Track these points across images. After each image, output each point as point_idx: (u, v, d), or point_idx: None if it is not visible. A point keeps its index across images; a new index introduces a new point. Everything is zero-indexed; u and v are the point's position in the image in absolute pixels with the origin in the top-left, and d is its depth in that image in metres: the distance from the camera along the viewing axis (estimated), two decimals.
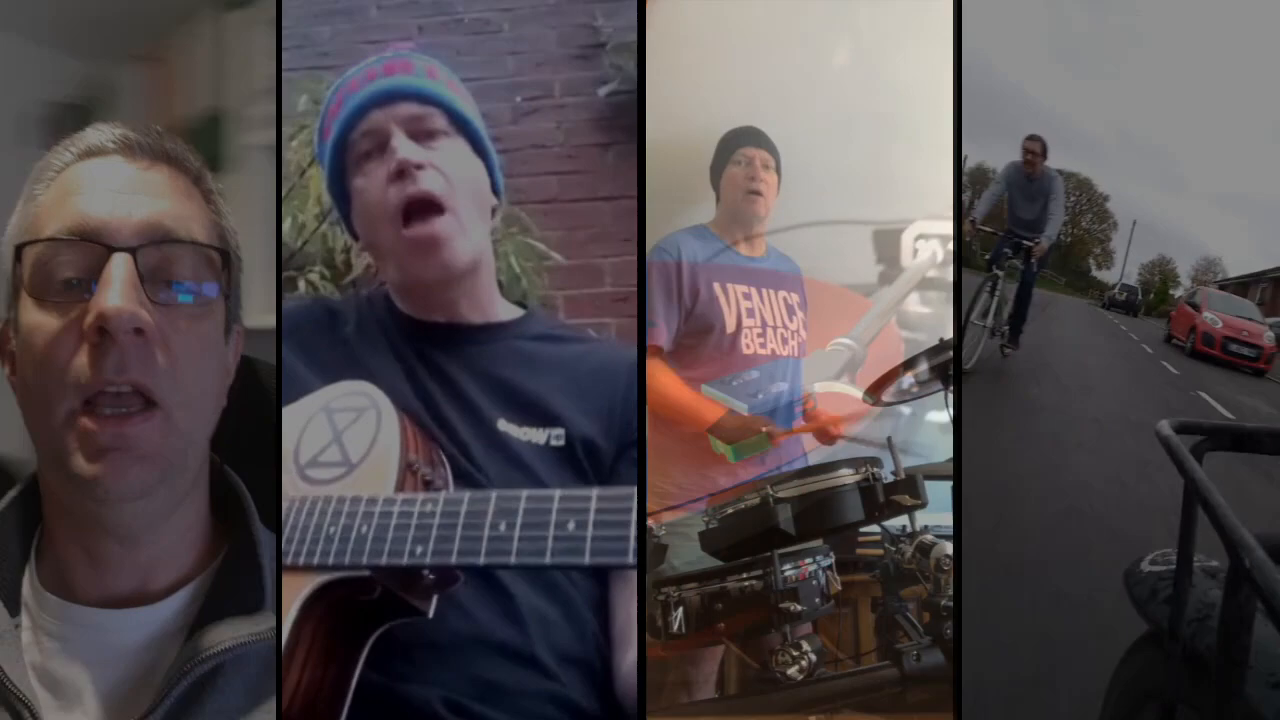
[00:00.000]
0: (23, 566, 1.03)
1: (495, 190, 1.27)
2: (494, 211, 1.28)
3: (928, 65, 1.43)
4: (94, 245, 0.93)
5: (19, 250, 0.95)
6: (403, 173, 1.17)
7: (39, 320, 0.93)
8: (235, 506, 1.08)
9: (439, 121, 1.22)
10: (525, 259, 2.01)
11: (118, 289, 0.90)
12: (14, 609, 1.00)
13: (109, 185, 0.96)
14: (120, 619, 1.00)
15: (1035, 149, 6.13)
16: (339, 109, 1.22)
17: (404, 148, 1.19)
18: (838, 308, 1.73)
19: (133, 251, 0.93)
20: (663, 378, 1.58)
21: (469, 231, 1.20)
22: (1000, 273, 6.01)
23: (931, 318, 1.64)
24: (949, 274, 1.61)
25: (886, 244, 1.70)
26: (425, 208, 1.18)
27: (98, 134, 1.00)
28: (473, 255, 1.21)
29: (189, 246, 0.97)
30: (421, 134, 1.20)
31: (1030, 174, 6.11)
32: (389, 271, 1.24)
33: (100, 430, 0.92)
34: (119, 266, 0.91)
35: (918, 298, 1.66)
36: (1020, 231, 6.08)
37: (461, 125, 1.24)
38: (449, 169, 1.20)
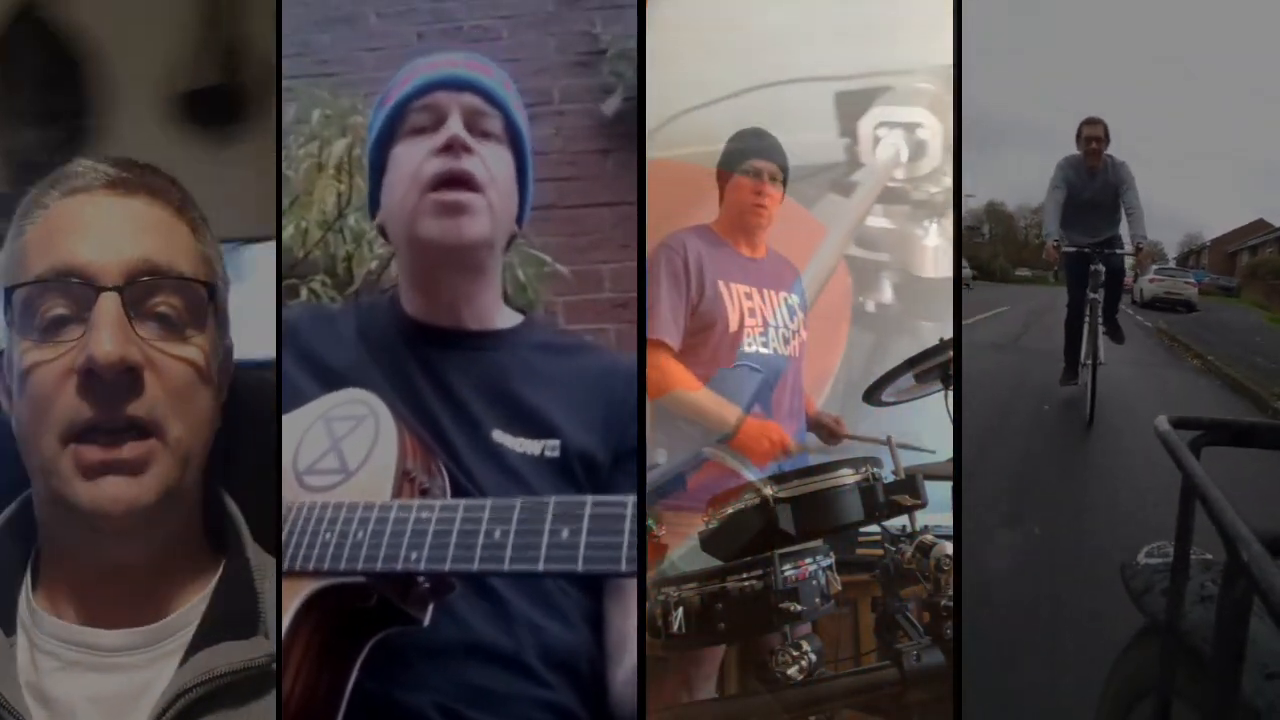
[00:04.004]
0: (19, 585, 1.04)
1: (520, 218, 1.28)
2: (513, 237, 1.29)
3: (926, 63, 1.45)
4: (82, 285, 0.95)
5: (9, 292, 0.98)
6: (450, 147, 1.19)
7: (31, 358, 0.96)
8: (229, 529, 1.09)
9: (496, 125, 1.23)
10: (528, 266, 2.02)
11: (106, 332, 0.93)
12: (9, 628, 1.01)
13: (95, 223, 0.99)
14: (115, 639, 1.01)
15: (1099, 134, 4.90)
16: (407, 83, 1.24)
17: (459, 129, 1.20)
18: (788, 234, 1.64)
19: (120, 290, 0.95)
20: (680, 375, 1.58)
21: (492, 217, 1.21)
22: (1097, 296, 4.94)
23: (895, 235, 1.50)
24: (913, 179, 1.50)
25: (852, 109, 1.52)
26: (459, 185, 1.19)
27: (82, 171, 1.02)
28: (488, 237, 1.21)
29: (174, 281, 0.99)
30: (477, 129, 1.22)
31: (1094, 167, 4.95)
32: (401, 246, 1.25)
33: (96, 454, 0.94)
34: (107, 307, 0.94)
35: (882, 210, 1.52)
36: (1094, 239, 5.05)
37: (514, 139, 1.25)
38: (490, 169, 1.21)
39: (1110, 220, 4.96)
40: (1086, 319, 4.91)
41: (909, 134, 1.49)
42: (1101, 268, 4.90)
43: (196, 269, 1.02)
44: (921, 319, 1.49)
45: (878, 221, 1.47)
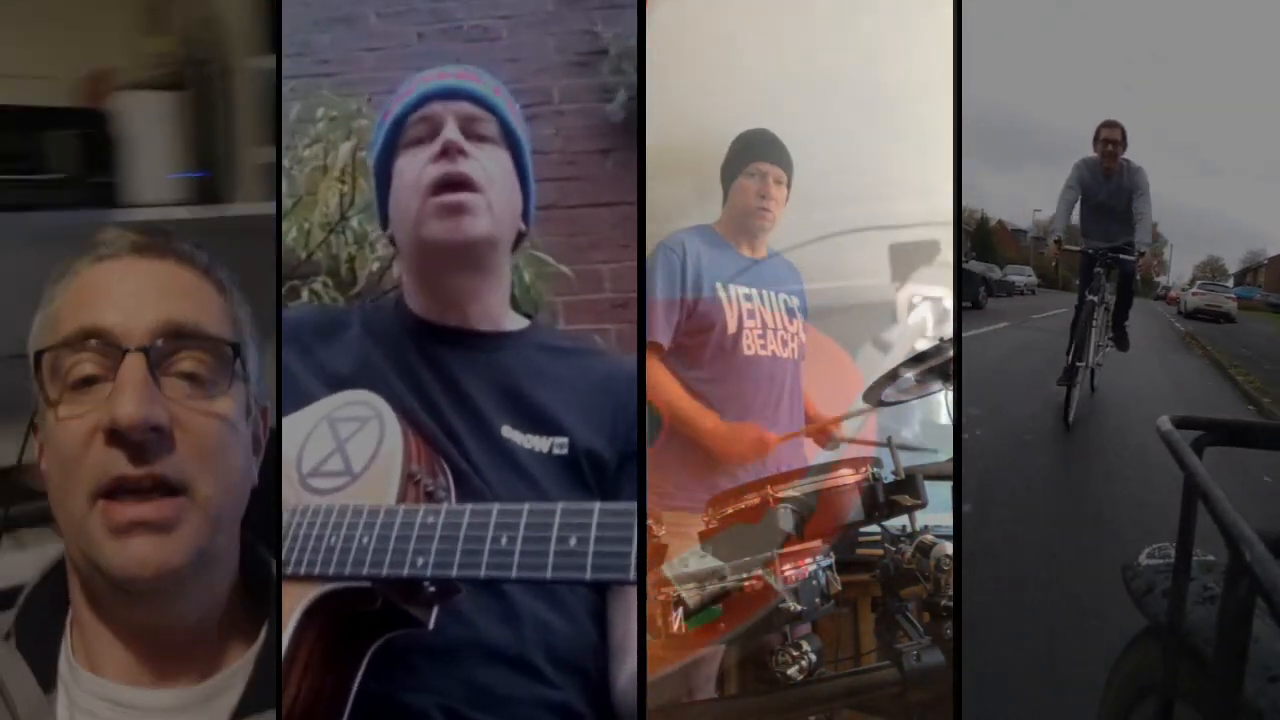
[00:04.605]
0: (58, 641, 1.04)
1: (525, 217, 1.31)
2: (521, 237, 1.31)
3: (929, 67, 1.48)
4: (109, 346, 0.96)
5: (39, 354, 0.99)
6: (447, 152, 1.21)
7: (61, 417, 0.96)
8: (273, 597, 1.08)
9: (491, 129, 1.26)
10: (530, 267, 2.02)
11: (129, 393, 0.93)
12: (49, 685, 1.01)
13: (121, 287, 1.00)
14: (156, 698, 1.01)
15: (1116, 138, 4.82)
16: (405, 97, 1.27)
17: (454, 133, 1.23)
18: (832, 375, 1.74)
19: (145, 350, 0.96)
20: (662, 380, 1.59)
21: (493, 215, 1.23)
22: (1096, 299, 4.79)
23: (916, 389, 1.61)
24: (941, 346, 1.58)
25: (903, 255, 1.72)
26: (458, 186, 1.21)
27: (110, 239, 1.04)
28: (490, 234, 1.23)
29: (199, 340, 1.00)
30: (473, 134, 1.24)
31: (1109, 170, 4.87)
32: (408, 252, 1.27)
33: (124, 511, 0.94)
34: (132, 368, 0.95)
35: (913, 371, 1.61)
36: (1106, 244, 4.89)
37: (511, 141, 1.28)
38: (488, 170, 1.24)
39: (1124, 225, 4.87)
40: (1085, 323, 4.79)
41: (935, 305, 1.67)
42: (1101, 270, 4.82)
43: (223, 328, 1.03)
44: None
45: (907, 373, 1.60)
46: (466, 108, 1.25)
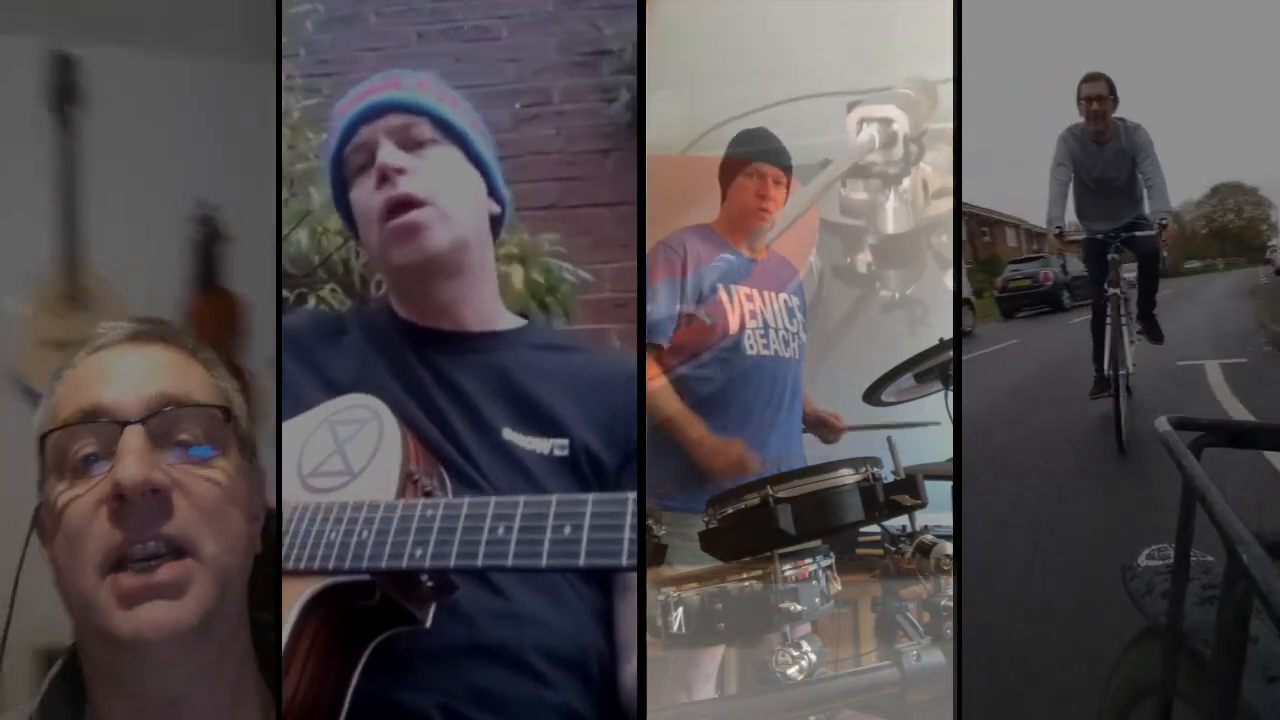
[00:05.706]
0: None
1: (498, 198, 1.30)
2: (500, 218, 1.31)
3: (929, 67, 1.50)
4: (107, 423, 1.00)
5: (43, 439, 1.02)
6: (384, 178, 1.21)
7: (65, 496, 0.99)
8: None
9: (426, 130, 1.25)
10: (546, 273, 2.01)
11: (131, 458, 0.96)
12: None
13: (115, 369, 1.05)
14: None
15: (1101, 93, 3.90)
16: (335, 133, 1.27)
17: (386, 155, 1.22)
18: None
19: (142, 422, 0.99)
20: (656, 384, 1.58)
21: (450, 221, 1.23)
22: (1118, 291, 3.99)
23: (868, 204, 1.72)
24: (888, 161, 1.68)
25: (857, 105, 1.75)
26: (404, 207, 1.21)
27: (104, 331, 1.09)
28: (453, 241, 1.23)
29: (192, 409, 1.03)
30: (410, 143, 1.24)
31: (1100, 134, 3.97)
32: (384, 274, 1.29)
33: (131, 581, 0.95)
34: (131, 437, 0.98)
35: (862, 185, 1.72)
36: (1115, 224, 4.02)
37: (451, 133, 1.27)
38: (435, 174, 1.23)
39: (1131, 199, 4.05)
40: (1109, 319, 4.03)
41: (884, 127, 1.67)
42: (1117, 257, 4.00)
43: (213, 398, 1.07)
44: (892, 268, 1.73)
45: (857, 194, 1.71)
46: (395, 120, 1.24)
